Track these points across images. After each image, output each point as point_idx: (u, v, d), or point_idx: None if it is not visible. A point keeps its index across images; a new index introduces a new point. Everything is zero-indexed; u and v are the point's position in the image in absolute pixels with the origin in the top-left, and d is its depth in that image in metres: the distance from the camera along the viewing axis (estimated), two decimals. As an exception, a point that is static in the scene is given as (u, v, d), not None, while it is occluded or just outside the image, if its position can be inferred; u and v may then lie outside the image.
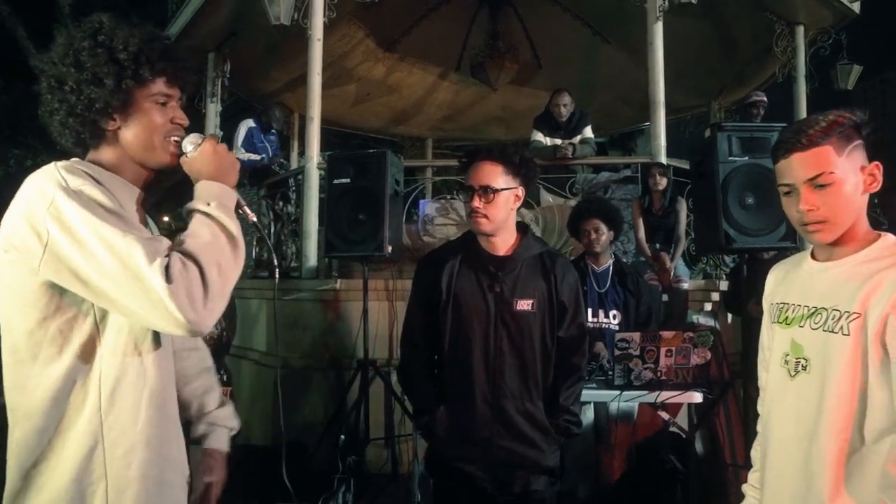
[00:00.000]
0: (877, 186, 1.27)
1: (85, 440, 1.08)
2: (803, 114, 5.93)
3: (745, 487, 1.55)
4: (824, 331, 1.26)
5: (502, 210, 1.97)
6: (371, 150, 4.03)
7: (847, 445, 1.20)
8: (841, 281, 1.27)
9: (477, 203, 1.95)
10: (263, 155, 6.06)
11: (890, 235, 1.28)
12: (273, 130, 6.27)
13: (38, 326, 1.08)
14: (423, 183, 6.87)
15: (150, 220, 1.29)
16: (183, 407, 1.44)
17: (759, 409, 1.51)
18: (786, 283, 1.43)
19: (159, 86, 1.20)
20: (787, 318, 1.37)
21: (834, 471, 1.21)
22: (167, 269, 1.01)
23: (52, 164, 1.09)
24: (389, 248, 3.73)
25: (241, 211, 1.28)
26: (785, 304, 1.39)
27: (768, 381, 1.44)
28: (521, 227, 2.11)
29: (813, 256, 1.37)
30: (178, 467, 1.21)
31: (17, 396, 1.10)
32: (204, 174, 1.19)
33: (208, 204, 1.14)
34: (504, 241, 2.04)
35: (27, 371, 1.09)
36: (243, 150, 5.98)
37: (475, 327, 1.97)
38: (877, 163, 1.27)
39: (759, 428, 1.50)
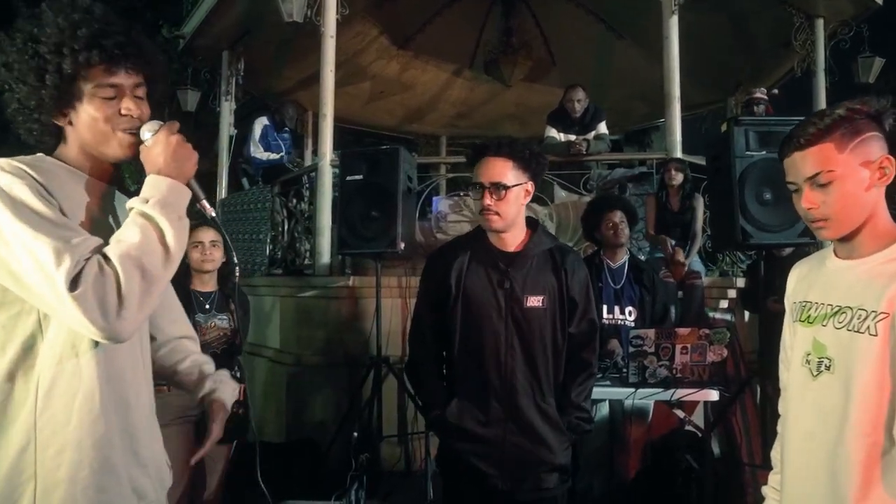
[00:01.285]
0: (887, 180, 1.23)
1: (18, 438, 1.06)
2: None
3: (765, 490, 1.51)
4: (849, 330, 1.22)
5: (513, 206, 1.94)
6: (384, 147, 4.02)
7: (875, 448, 1.17)
8: (866, 279, 1.23)
9: (488, 201, 1.91)
10: (282, 154, 6.11)
11: None
12: (286, 128, 6.31)
13: None
14: (437, 180, 6.86)
15: (118, 211, 1.24)
16: (185, 384, 1.44)
17: (780, 409, 1.47)
18: (808, 281, 1.39)
19: (96, 76, 1.12)
20: (809, 316, 1.33)
21: (861, 474, 1.17)
22: (80, 274, 0.99)
23: None
24: (402, 245, 3.72)
25: (198, 206, 1.23)
26: (807, 302, 1.35)
27: (789, 380, 1.41)
28: (531, 223, 2.08)
29: (835, 254, 1.33)
30: (119, 473, 1.13)
31: None
32: (154, 167, 1.14)
33: (146, 201, 1.10)
34: (514, 237, 2.01)
35: None
36: (262, 148, 6.02)
37: (485, 324, 1.95)
38: (888, 156, 1.23)
39: (778, 428, 1.47)
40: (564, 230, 4.83)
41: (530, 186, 1.99)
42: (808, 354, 1.30)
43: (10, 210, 1.01)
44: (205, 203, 1.23)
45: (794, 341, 1.37)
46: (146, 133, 1.16)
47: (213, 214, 1.27)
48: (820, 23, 5.90)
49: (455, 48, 7.72)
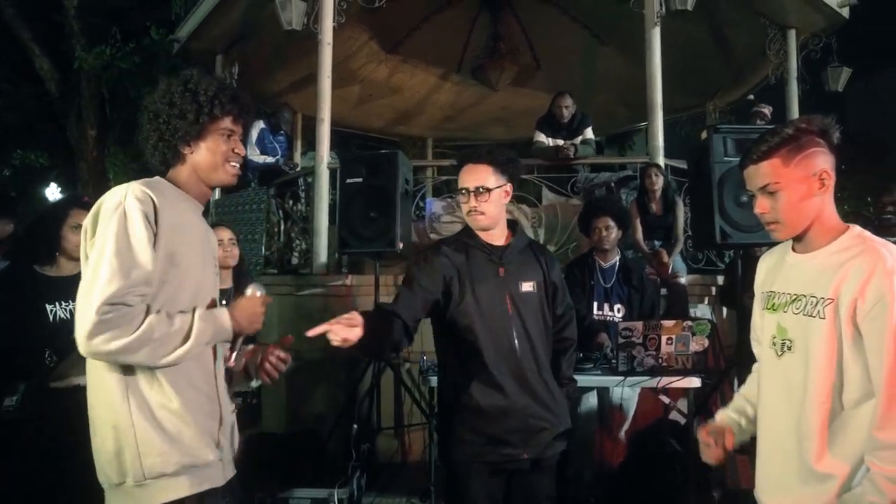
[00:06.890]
0: (827, 189, 1.46)
1: (118, 392, 1.43)
2: (795, 114, 6.11)
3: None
4: (805, 315, 1.45)
5: (496, 206, 2.18)
6: (383, 151, 4.19)
7: (829, 413, 1.40)
8: (817, 271, 1.46)
9: (473, 203, 2.16)
10: (277, 157, 6.24)
11: (855, 227, 1.48)
12: (282, 131, 6.44)
13: None
14: (425, 184, 7.02)
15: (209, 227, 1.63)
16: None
17: (754, 369, 1.73)
18: (773, 273, 1.63)
19: (227, 122, 1.58)
20: (773, 304, 1.56)
21: (819, 434, 1.40)
22: (123, 303, 1.33)
23: (133, 183, 1.46)
24: (401, 245, 3.89)
25: (224, 355, 1.62)
26: (772, 292, 1.58)
27: (760, 359, 1.65)
28: (510, 224, 2.32)
29: (793, 248, 1.56)
30: (199, 421, 1.48)
31: None
32: (235, 310, 1.56)
33: (205, 317, 1.46)
34: (500, 234, 2.25)
35: None
36: (258, 151, 6.15)
37: (493, 308, 2.14)
38: (825, 169, 1.45)
39: (749, 379, 1.74)
40: (552, 230, 5.04)
41: (509, 188, 2.23)
42: (774, 337, 1.54)
43: (118, 228, 1.39)
44: (232, 357, 1.64)
45: (763, 326, 1.61)
46: (258, 291, 1.63)
47: (232, 364, 1.65)
48: (792, 34, 6.21)
49: (443, 53, 7.91)
